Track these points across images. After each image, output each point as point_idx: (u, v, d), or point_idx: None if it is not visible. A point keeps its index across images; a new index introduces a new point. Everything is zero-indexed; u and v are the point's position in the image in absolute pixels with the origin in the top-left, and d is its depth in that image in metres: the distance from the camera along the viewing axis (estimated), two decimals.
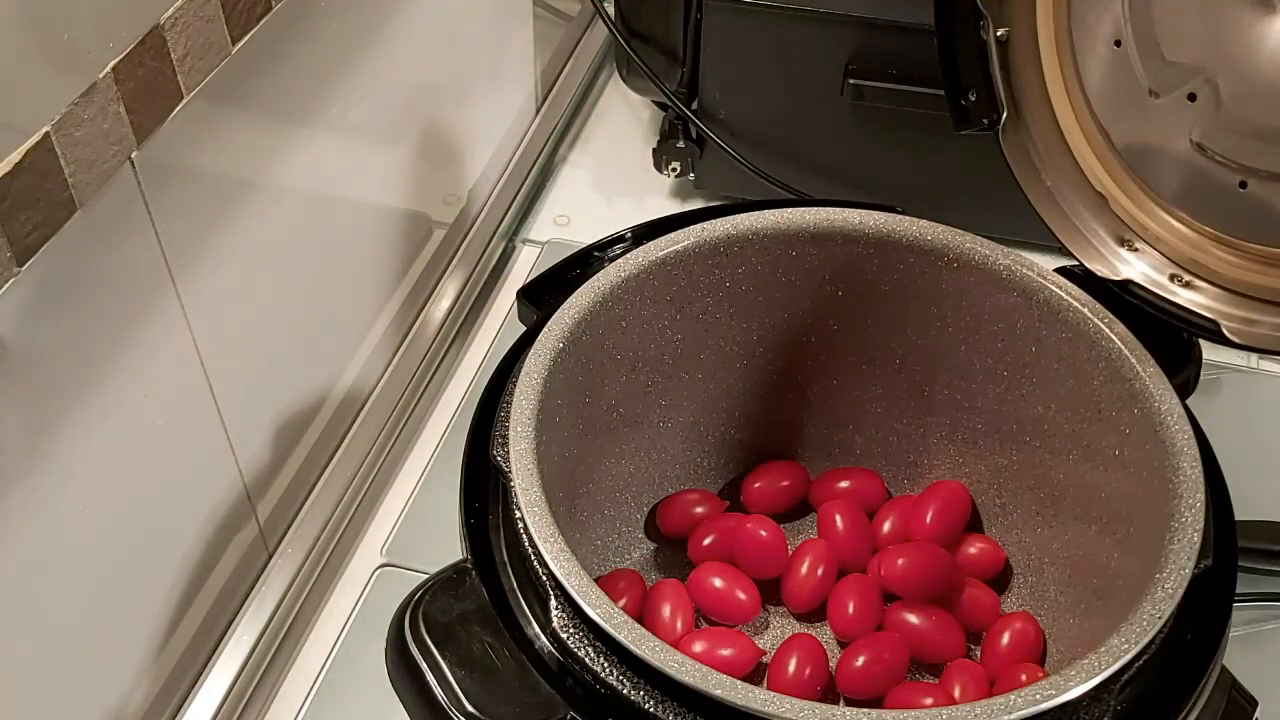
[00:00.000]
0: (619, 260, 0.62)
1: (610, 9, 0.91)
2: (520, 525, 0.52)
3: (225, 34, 0.56)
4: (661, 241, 0.63)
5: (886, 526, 0.69)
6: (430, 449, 0.82)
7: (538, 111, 1.04)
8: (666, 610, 0.65)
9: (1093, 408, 0.61)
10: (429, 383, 0.86)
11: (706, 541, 0.68)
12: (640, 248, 0.63)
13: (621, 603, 0.62)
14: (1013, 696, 0.46)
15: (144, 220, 0.56)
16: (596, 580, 0.64)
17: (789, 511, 0.72)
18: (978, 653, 0.65)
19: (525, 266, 0.95)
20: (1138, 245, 0.64)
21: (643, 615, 0.65)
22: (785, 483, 0.72)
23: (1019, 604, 0.67)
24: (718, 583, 0.66)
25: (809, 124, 0.90)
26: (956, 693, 0.62)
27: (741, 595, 0.66)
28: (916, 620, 0.64)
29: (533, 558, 0.52)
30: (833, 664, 0.64)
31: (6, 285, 0.46)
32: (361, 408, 0.81)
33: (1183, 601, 0.50)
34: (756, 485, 0.72)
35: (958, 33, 0.64)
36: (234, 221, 0.63)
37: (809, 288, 0.67)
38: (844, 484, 0.71)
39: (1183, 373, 0.61)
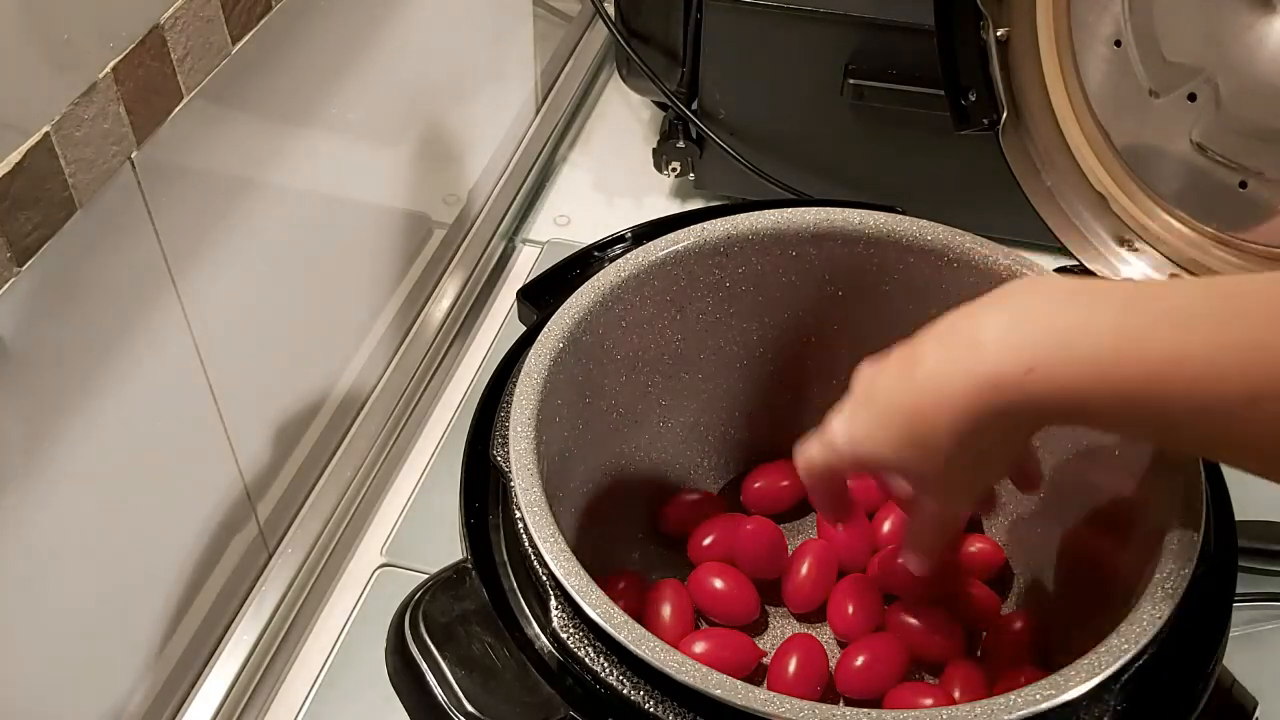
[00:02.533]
0: (619, 260, 0.62)
1: (610, 9, 0.91)
2: (520, 525, 0.52)
3: (225, 34, 0.56)
4: (661, 241, 0.63)
5: (886, 526, 0.69)
6: (430, 449, 0.82)
7: (538, 111, 1.04)
8: (667, 610, 0.65)
9: None
10: (429, 383, 0.86)
11: (706, 542, 0.68)
12: (640, 248, 0.63)
13: (621, 603, 0.62)
14: (1013, 696, 0.46)
15: (144, 220, 0.56)
16: (596, 580, 0.64)
17: (789, 511, 0.72)
18: (978, 653, 0.65)
19: (525, 266, 0.95)
20: (1138, 245, 0.64)
21: (643, 615, 0.65)
22: (785, 483, 0.72)
23: (1019, 604, 0.67)
24: (718, 584, 0.66)
25: (809, 124, 0.90)
26: (956, 693, 0.62)
27: (741, 596, 0.66)
28: (916, 621, 0.64)
29: (533, 558, 0.52)
30: (833, 664, 0.64)
31: (6, 285, 0.46)
32: (361, 408, 0.81)
33: (1183, 601, 0.50)
34: (756, 485, 0.72)
35: (958, 33, 0.64)
36: (234, 221, 0.63)
37: (809, 288, 0.67)
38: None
39: None
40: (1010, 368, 0.45)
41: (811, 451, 0.55)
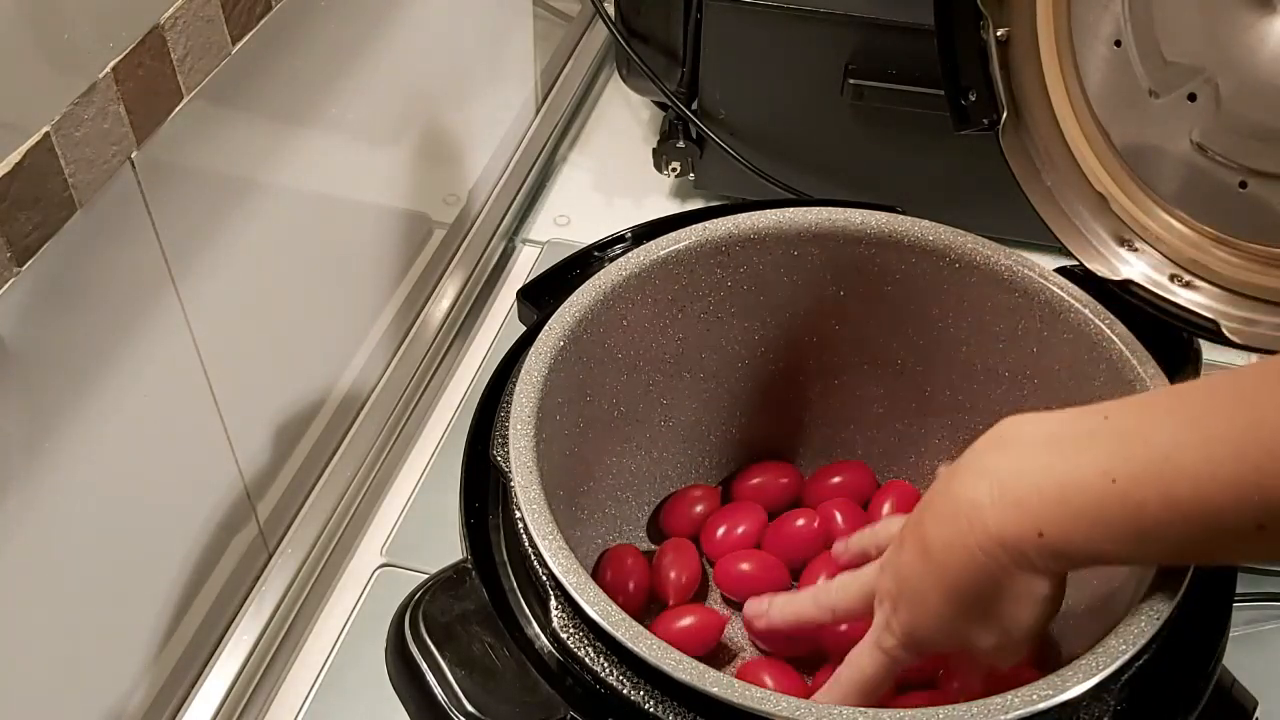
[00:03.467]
0: (619, 260, 0.62)
1: (610, 9, 0.91)
2: (520, 525, 0.52)
3: (225, 34, 0.56)
4: (662, 241, 0.63)
5: (886, 509, 0.69)
6: (430, 449, 0.82)
7: (538, 111, 1.04)
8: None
9: None
10: (429, 383, 0.86)
11: (720, 533, 0.69)
12: (641, 247, 0.63)
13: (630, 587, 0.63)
14: (1011, 696, 0.46)
15: (144, 220, 0.56)
16: (601, 556, 0.64)
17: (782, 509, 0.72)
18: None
19: (525, 266, 0.95)
20: (1138, 245, 0.64)
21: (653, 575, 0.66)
22: (784, 480, 0.72)
23: None
24: (745, 566, 0.67)
25: (809, 124, 0.90)
26: (955, 692, 0.62)
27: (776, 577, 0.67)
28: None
29: (533, 558, 0.52)
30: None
31: (6, 285, 0.46)
32: (361, 408, 0.81)
33: (1182, 601, 0.50)
34: (754, 482, 0.72)
35: (958, 33, 0.64)
36: (234, 221, 0.63)
37: (810, 288, 0.67)
38: (836, 479, 0.71)
39: (1183, 373, 0.61)
40: (1019, 532, 0.46)
41: (864, 663, 0.53)
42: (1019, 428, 0.48)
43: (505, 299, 0.92)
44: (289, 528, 0.75)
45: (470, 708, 0.48)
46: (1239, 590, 0.53)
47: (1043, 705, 0.46)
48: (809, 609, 0.58)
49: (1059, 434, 0.46)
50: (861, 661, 0.54)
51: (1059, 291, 0.61)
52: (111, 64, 0.49)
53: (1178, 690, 0.50)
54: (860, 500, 0.70)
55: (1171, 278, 0.64)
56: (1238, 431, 0.42)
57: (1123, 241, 0.64)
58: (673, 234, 0.63)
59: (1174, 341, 0.62)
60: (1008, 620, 0.49)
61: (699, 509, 0.70)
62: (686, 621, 0.64)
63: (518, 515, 0.52)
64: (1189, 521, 0.43)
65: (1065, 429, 0.46)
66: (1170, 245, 0.63)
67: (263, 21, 0.59)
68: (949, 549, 0.48)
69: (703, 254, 0.64)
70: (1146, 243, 0.64)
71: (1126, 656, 0.48)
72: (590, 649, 0.49)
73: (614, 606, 0.49)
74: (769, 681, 0.61)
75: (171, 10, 0.52)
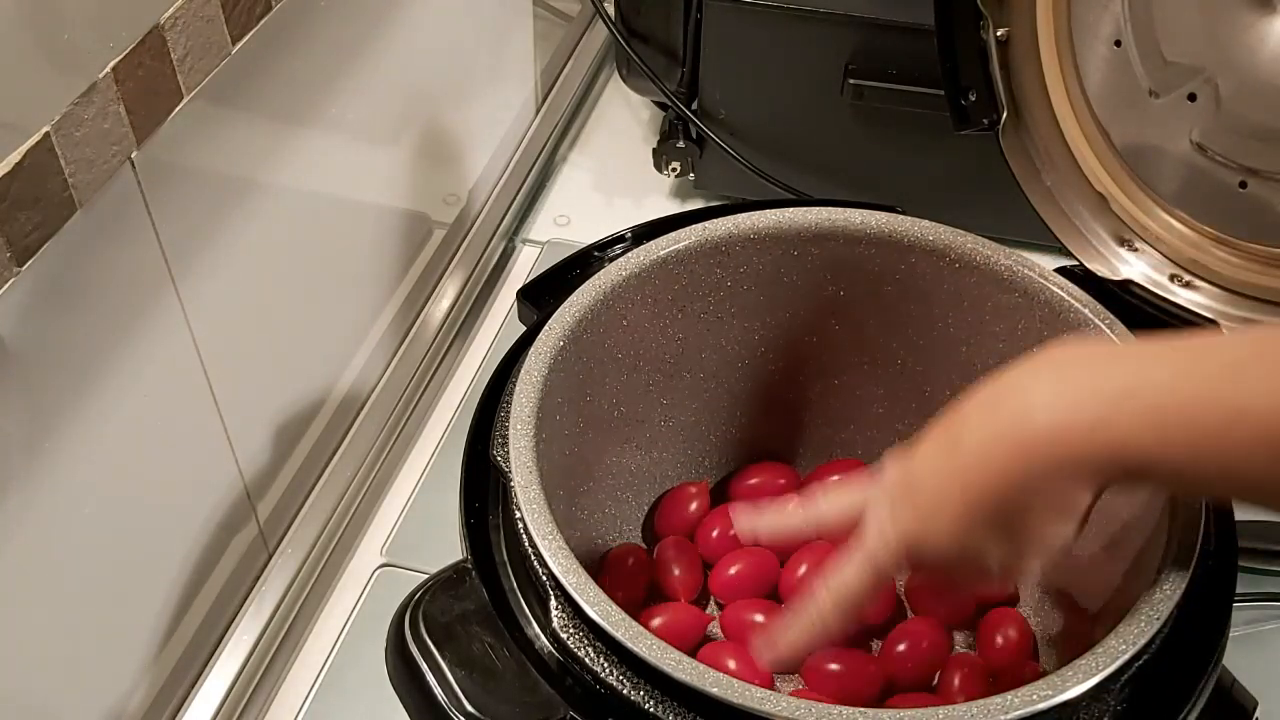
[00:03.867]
0: (619, 260, 0.62)
1: (610, 9, 0.91)
2: (520, 525, 0.52)
3: (225, 34, 0.56)
4: (663, 241, 0.63)
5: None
6: (430, 449, 0.82)
7: (538, 111, 1.04)
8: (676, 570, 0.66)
9: None
10: (429, 383, 0.86)
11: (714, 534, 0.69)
12: (641, 247, 0.63)
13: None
14: (1010, 696, 0.46)
15: (144, 220, 0.56)
16: (603, 556, 0.64)
17: None
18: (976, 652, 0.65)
19: (525, 266, 0.95)
20: (1138, 245, 0.64)
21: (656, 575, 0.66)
22: (781, 480, 0.72)
23: (1019, 605, 0.67)
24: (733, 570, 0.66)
25: (809, 124, 0.90)
26: (955, 686, 0.62)
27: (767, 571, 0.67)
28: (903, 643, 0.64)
29: (533, 558, 0.52)
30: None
31: (6, 285, 0.46)
32: (361, 408, 0.81)
33: (1182, 601, 0.50)
34: (751, 482, 0.72)
35: (958, 33, 0.64)
36: (234, 221, 0.63)
37: (810, 287, 0.67)
38: (834, 479, 0.71)
39: None
40: (1072, 424, 0.44)
41: (847, 574, 0.50)
42: (1082, 342, 0.47)
43: (505, 299, 0.92)
44: (289, 528, 0.75)
45: (470, 708, 0.48)
46: (1239, 590, 0.53)
47: (1042, 705, 0.46)
48: (794, 522, 0.56)
49: (1126, 349, 0.48)
50: (845, 573, 0.50)
51: (1059, 291, 0.61)
52: (111, 64, 0.49)
53: (1178, 690, 0.50)
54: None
55: (1171, 278, 0.64)
56: None
57: (1123, 241, 0.65)
58: (673, 234, 0.63)
59: None
60: (1027, 534, 0.47)
61: (693, 508, 0.70)
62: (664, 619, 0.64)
63: (518, 515, 0.52)
64: (1255, 439, 0.42)
65: (1131, 345, 0.47)
66: (1170, 245, 0.64)
67: (263, 21, 0.59)
68: (986, 446, 0.46)
69: (703, 254, 0.64)
70: (1146, 243, 0.64)
71: (1126, 656, 0.48)
72: (590, 649, 0.49)
73: (614, 606, 0.49)
74: (731, 665, 0.61)
75: (171, 10, 0.52)
